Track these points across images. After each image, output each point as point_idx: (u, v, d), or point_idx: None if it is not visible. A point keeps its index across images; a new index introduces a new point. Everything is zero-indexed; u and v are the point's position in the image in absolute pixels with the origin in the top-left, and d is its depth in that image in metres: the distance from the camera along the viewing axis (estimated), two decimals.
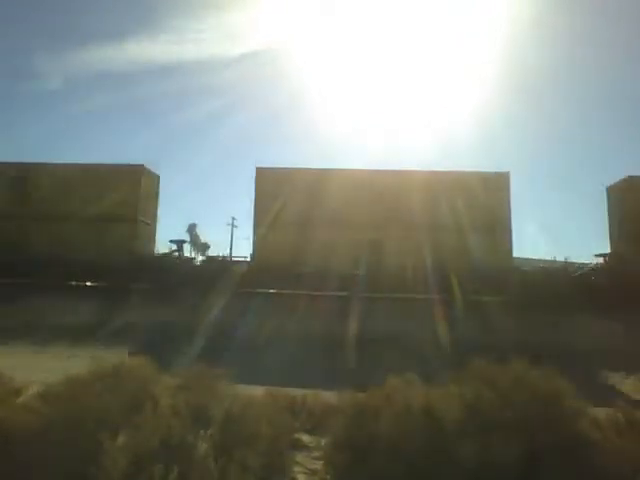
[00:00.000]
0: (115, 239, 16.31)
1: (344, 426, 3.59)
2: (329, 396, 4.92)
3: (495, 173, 16.89)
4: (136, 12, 45.69)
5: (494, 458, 2.93)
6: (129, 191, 16.58)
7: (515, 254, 16.11)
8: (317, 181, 16.16)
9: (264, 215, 16.14)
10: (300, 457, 3.96)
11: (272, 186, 16.33)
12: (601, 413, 3.80)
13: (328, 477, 3.47)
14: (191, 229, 39.17)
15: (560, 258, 16.60)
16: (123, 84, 43.72)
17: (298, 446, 4.18)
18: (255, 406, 3.85)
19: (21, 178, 17.01)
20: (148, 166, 17.59)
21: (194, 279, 14.79)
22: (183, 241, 18.58)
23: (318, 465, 3.73)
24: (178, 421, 3.21)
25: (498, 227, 15.91)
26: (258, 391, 4.81)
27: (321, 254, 15.15)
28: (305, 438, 4.40)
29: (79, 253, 15.75)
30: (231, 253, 22.76)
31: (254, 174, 16.83)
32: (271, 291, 14.84)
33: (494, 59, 41.84)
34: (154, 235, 18.25)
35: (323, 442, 4.06)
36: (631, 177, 17.68)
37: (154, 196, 18.19)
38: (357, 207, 15.91)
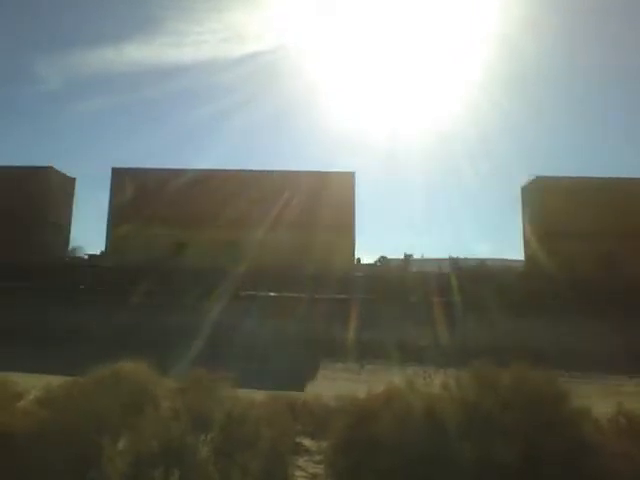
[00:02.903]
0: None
1: (345, 429, 3.57)
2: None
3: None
4: (136, 15, 45.88)
5: (495, 460, 2.91)
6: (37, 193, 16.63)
7: None
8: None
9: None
10: (301, 461, 3.94)
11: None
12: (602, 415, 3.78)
13: None
14: None
15: None
16: (124, 86, 43.90)
17: (299, 450, 4.16)
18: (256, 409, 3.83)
19: None
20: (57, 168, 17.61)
21: None
22: None
23: (319, 469, 3.71)
24: (178, 424, 3.19)
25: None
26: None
27: None
28: (306, 442, 4.37)
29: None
30: None
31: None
32: None
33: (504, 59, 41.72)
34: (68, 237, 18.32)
35: (324, 445, 4.04)
36: (539, 177, 17.35)
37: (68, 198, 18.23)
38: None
